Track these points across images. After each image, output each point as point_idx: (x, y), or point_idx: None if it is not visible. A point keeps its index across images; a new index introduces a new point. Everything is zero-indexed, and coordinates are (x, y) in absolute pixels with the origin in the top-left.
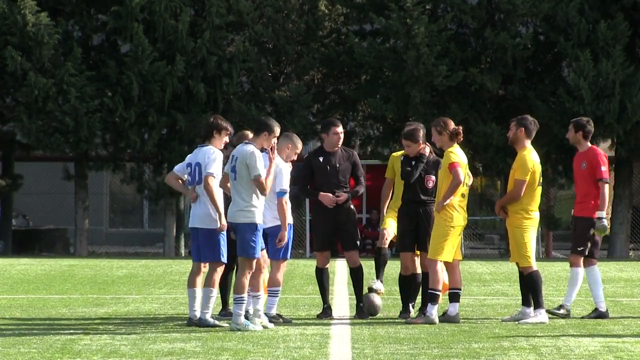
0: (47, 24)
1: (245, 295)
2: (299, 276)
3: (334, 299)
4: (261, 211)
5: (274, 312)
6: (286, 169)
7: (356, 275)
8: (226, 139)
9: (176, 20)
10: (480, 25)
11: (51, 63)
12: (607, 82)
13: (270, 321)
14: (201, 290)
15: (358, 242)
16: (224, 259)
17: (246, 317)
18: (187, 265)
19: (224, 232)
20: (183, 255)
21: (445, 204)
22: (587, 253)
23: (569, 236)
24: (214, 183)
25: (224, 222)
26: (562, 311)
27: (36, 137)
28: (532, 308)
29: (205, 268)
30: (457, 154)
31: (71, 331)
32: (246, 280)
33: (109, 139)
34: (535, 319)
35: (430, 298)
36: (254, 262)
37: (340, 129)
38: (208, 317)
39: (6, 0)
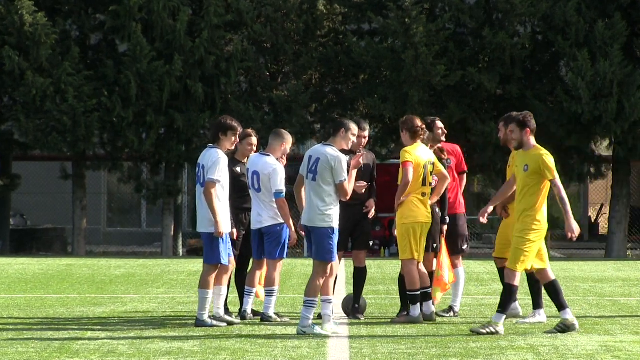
0: (45, 24)
1: (317, 299)
2: (297, 276)
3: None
4: (337, 214)
5: (271, 311)
6: (281, 168)
7: (360, 275)
8: (234, 138)
9: (174, 19)
10: (479, 24)
11: (49, 63)
12: (605, 82)
13: (267, 320)
14: (224, 288)
15: (371, 243)
16: (224, 261)
17: (243, 317)
18: (185, 264)
19: (226, 235)
20: (181, 254)
21: (398, 203)
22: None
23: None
24: (214, 189)
25: (220, 228)
26: (450, 313)
27: (34, 136)
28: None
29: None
30: (411, 153)
31: (69, 331)
32: (319, 284)
33: (106, 139)
34: (534, 319)
35: (410, 299)
36: (329, 266)
37: (365, 133)
38: (205, 317)
39: (4, 0)
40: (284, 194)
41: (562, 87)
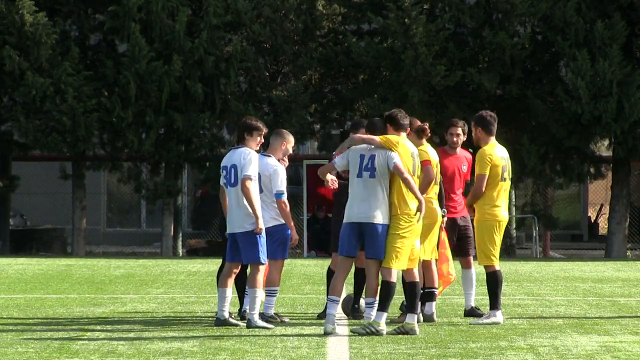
0: (45, 24)
1: (377, 298)
2: (297, 276)
3: None
4: None
5: (271, 311)
6: (281, 169)
7: (360, 275)
8: (259, 138)
9: (173, 20)
10: (479, 24)
11: (49, 63)
12: (604, 82)
13: (267, 321)
14: (231, 291)
15: None
16: (264, 259)
17: (243, 317)
18: (185, 265)
19: (263, 233)
20: (180, 255)
21: None
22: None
23: (566, 236)
24: (252, 185)
25: (261, 225)
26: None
27: (34, 136)
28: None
29: (237, 269)
30: (428, 152)
31: (69, 331)
32: (377, 282)
33: (106, 139)
34: (488, 320)
35: (427, 296)
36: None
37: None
38: (256, 318)
39: (4, 0)
40: (285, 195)
41: (562, 87)
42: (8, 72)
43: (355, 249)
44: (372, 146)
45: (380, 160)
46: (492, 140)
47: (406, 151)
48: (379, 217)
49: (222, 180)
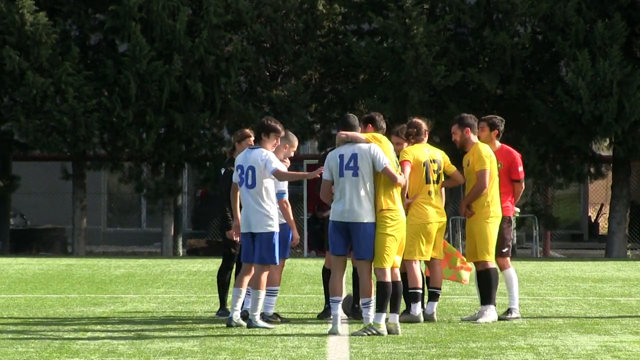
0: (45, 24)
1: (372, 297)
2: (297, 276)
3: None
4: None
5: (271, 311)
6: (283, 169)
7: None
8: (276, 140)
9: (174, 19)
10: (479, 25)
11: (49, 62)
12: (605, 82)
13: (267, 321)
14: (245, 291)
15: None
16: (278, 260)
17: (244, 317)
18: (185, 265)
19: (277, 235)
20: (181, 254)
21: (406, 203)
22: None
23: (567, 236)
24: (283, 170)
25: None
26: (513, 315)
27: (34, 136)
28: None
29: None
30: (409, 152)
31: (69, 331)
32: (371, 282)
33: (106, 139)
34: (489, 318)
35: (412, 297)
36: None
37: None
38: (257, 318)
39: (4, 0)
40: (286, 195)
41: (562, 87)
42: (8, 72)
43: (343, 247)
44: (354, 144)
45: (365, 159)
46: (477, 139)
47: (388, 146)
48: (364, 216)
49: (237, 179)
